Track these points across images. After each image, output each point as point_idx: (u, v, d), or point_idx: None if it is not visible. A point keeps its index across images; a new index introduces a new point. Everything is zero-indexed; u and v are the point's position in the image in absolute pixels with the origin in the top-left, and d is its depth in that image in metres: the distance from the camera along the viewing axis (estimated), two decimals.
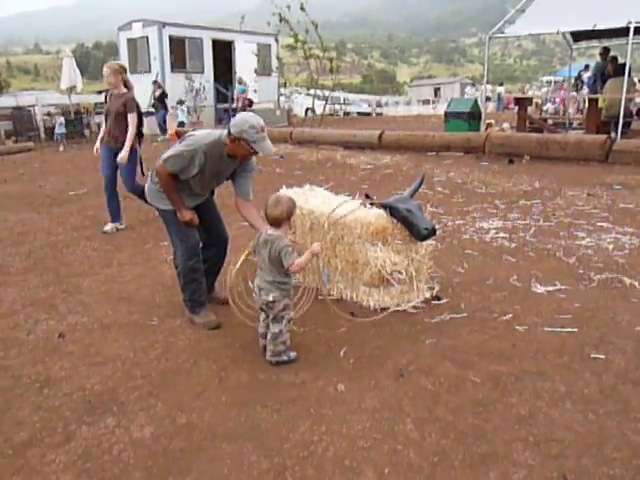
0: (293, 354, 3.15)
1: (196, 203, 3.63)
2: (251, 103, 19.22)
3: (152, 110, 18.52)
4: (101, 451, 2.41)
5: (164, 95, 17.15)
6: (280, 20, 17.45)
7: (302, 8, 16.83)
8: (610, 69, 11.58)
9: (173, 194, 3.47)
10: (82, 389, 2.91)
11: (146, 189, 3.68)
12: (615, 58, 11.73)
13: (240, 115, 3.38)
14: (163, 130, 17.01)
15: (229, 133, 3.28)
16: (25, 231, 6.34)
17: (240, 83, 19.10)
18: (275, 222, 3.04)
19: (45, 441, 2.49)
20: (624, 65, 10.65)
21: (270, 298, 3.03)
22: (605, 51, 12.12)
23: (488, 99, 25.23)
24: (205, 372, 3.07)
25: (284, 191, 4.57)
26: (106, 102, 6.30)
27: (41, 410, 2.73)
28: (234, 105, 19.03)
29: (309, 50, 18.16)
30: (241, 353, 3.27)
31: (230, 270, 3.40)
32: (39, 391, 2.91)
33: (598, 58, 12.61)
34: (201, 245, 3.68)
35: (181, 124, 17.15)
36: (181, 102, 17.83)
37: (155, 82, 17.70)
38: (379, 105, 38.28)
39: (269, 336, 3.09)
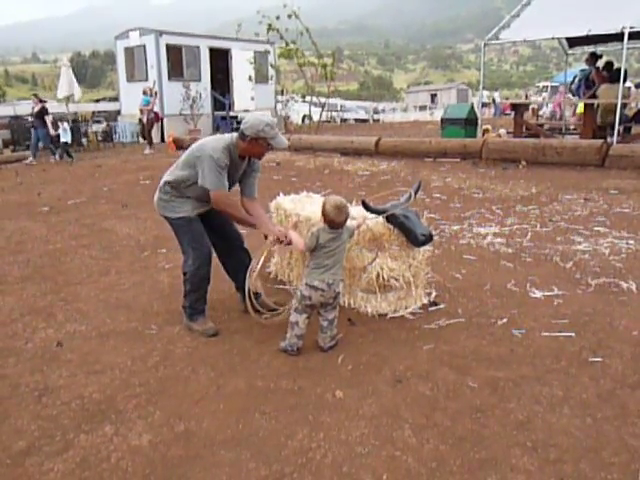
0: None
1: (207, 209, 3.61)
2: (157, 117, 16.59)
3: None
4: (99, 459, 2.41)
5: (44, 111, 14.33)
6: (269, 30, 17.47)
7: (290, 16, 16.87)
8: (594, 75, 11.63)
9: (242, 213, 3.51)
10: (80, 397, 2.91)
11: (155, 199, 3.67)
12: (610, 63, 11.79)
13: (251, 116, 3.42)
14: (35, 152, 14.45)
15: (243, 135, 3.34)
16: (23, 240, 6.34)
17: (145, 94, 15.76)
18: (339, 226, 3.26)
19: (43, 450, 2.49)
20: (618, 70, 10.72)
21: (340, 289, 3.30)
22: (592, 57, 12.12)
23: (485, 105, 25.35)
24: (203, 380, 3.07)
25: (281, 197, 4.59)
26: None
27: (39, 419, 2.73)
28: (143, 117, 15.93)
29: (303, 57, 18.20)
30: (239, 360, 3.27)
31: (253, 267, 3.51)
32: (37, 400, 2.90)
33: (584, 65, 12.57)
34: (211, 254, 3.68)
35: (65, 145, 14.26)
36: (61, 120, 14.72)
37: (35, 95, 15.25)
38: (376, 112, 38.39)
39: (325, 324, 3.30)
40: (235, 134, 3.42)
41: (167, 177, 3.60)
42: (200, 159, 3.37)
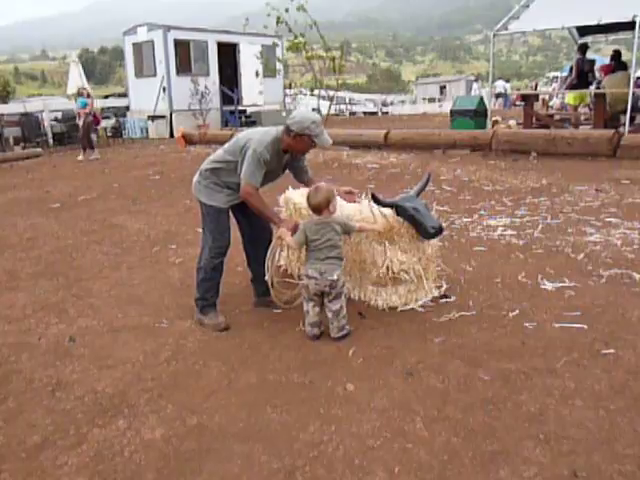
0: (349, 326, 3.44)
1: (240, 201, 3.62)
2: (97, 120, 15.09)
3: (159, 114, 18.59)
4: (113, 453, 2.43)
5: None
6: (277, 22, 17.38)
7: (298, 9, 16.79)
8: (576, 65, 11.75)
9: (268, 210, 3.53)
10: (93, 392, 2.94)
11: (194, 181, 3.72)
12: (618, 53, 11.67)
13: (298, 112, 3.48)
14: None
15: (289, 130, 3.37)
16: (35, 236, 6.39)
17: (80, 95, 14.42)
18: (316, 209, 3.36)
19: (58, 444, 2.52)
20: (624, 62, 10.72)
21: (335, 277, 3.30)
22: (583, 47, 12.07)
23: (498, 96, 25.06)
24: (215, 374, 3.09)
25: (290, 191, 4.58)
26: None
27: (53, 413, 2.76)
28: (80, 120, 14.17)
29: (311, 51, 18.13)
30: (250, 354, 3.29)
31: (272, 258, 3.63)
32: (51, 394, 2.93)
33: (585, 54, 12.44)
34: (229, 247, 3.70)
35: None
36: None
37: None
38: (385, 104, 38.21)
39: (330, 315, 3.35)
40: (282, 127, 3.45)
41: (208, 164, 3.65)
42: (243, 150, 3.42)
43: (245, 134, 3.56)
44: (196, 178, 3.71)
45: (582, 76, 11.63)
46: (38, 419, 2.71)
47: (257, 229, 3.84)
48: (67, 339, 3.59)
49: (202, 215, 3.71)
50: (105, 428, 2.61)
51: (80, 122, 14.13)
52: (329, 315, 3.36)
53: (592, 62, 11.95)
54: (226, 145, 3.63)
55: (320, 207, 3.34)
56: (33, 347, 3.51)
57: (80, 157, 13.63)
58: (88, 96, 14.21)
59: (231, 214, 3.75)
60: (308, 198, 3.40)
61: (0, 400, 2.89)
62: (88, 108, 14.04)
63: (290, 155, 3.61)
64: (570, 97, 13.04)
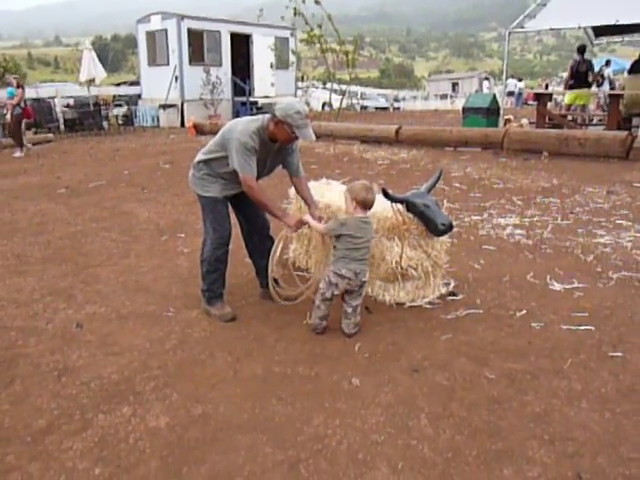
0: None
1: (236, 192, 3.60)
2: (28, 113, 12.99)
3: (170, 103, 18.62)
4: (117, 439, 2.44)
5: None
6: (295, 14, 17.36)
7: (316, 1, 16.77)
8: (570, 67, 11.89)
9: (271, 203, 3.50)
10: (99, 378, 2.95)
11: (189, 175, 3.72)
12: None
13: (287, 100, 3.45)
14: None
15: (273, 116, 3.33)
16: (44, 221, 6.42)
17: (9, 84, 12.86)
18: (368, 206, 3.31)
19: (63, 428, 2.53)
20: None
21: (366, 278, 3.33)
22: (581, 48, 12.08)
23: (511, 94, 24.90)
24: (220, 364, 3.09)
25: None
26: None
27: (59, 398, 2.77)
28: (7, 113, 12.68)
29: (325, 44, 18.08)
30: (256, 346, 3.29)
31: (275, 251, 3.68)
32: (57, 379, 2.95)
33: (584, 55, 12.36)
34: (230, 237, 3.68)
35: None
36: None
37: None
38: (397, 100, 37.99)
39: (350, 310, 3.34)
40: (267, 115, 3.41)
41: (200, 156, 3.64)
42: (229, 141, 3.38)
43: (230, 125, 3.51)
44: (191, 171, 3.70)
45: (579, 76, 11.64)
46: (44, 403, 2.73)
47: (252, 223, 3.83)
48: (74, 325, 3.61)
49: (201, 207, 3.70)
50: (110, 414, 2.63)
51: (8, 115, 12.61)
52: (348, 310, 3.34)
53: (590, 62, 11.98)
54: (215, 137, 3.60)
55: (372, 204, 3.31)
56: (41, 331, 3.53)
57: (17, 154, 12.45)
58: (18, 86, 12.49)
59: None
60: (363, 191, 3.25)
61: (7, 383, 2.92)
62: (16, 99, 12.37)
63: (280, 145, 3.53)
64: (567, 97, 13.01)
